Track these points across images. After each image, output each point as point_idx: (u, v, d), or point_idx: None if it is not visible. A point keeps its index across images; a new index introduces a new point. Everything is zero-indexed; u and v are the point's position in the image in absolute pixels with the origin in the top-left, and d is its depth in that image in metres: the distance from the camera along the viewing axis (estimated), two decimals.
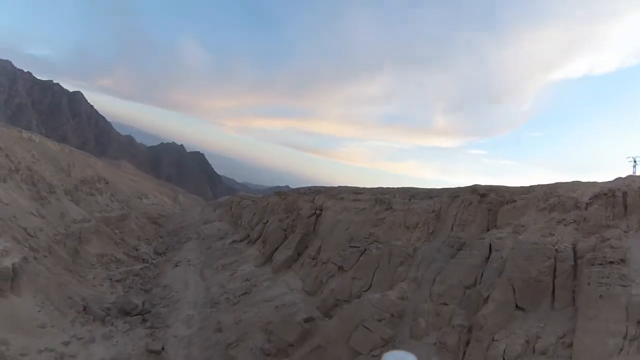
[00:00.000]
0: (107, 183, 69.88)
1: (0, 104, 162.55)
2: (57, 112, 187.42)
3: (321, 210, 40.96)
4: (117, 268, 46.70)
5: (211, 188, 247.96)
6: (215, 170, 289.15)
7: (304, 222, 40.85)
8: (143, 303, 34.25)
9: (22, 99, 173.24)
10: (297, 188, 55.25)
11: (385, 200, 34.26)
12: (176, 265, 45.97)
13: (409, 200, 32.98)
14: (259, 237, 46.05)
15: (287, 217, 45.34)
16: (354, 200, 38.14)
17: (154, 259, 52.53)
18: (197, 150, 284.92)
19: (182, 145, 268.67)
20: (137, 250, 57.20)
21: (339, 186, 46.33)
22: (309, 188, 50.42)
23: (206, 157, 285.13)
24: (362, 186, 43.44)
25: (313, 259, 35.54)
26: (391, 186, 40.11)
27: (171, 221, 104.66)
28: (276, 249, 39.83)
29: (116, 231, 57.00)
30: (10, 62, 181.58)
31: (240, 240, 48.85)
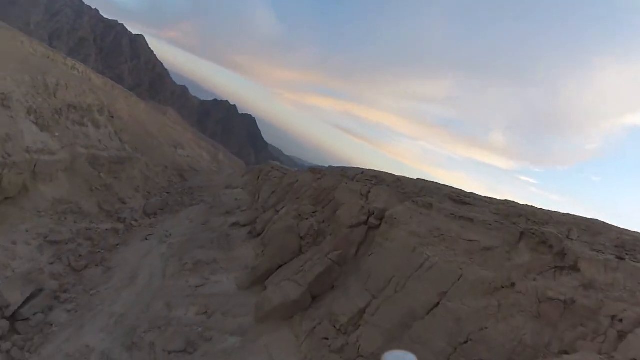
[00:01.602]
0: (112, 117, 56.89)
1: (63, 35, 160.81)
2: (117, 51, 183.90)
3: (380, 219, 22.15)
4: (74, 222, 33.73)
5: (255, 154, 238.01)
6: (263, 137, 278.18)
7: (341, 235, 22.73)
8: (35, 295, 20.51)
9: (85, 33, 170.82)
10: (342, 167, 38.77)
11: (541, 236, 15.75)
12: (146, 239, 32.26)
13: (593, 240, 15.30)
14: (263, 232, 30.13)
15: (314, 212, 28.34)
16: (460, 219, 18.46)
17: (134, 221, 39.17)
18: (248, 114, 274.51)
19: (234, 105, 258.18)
20: (123, 203, 44.21)
21: (419, 179, 26.56)
22: (362, 172, 31.22)
23: (257, 122, 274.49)
24: (458, 187, 24.39)
25: (339, 329, 17.43)
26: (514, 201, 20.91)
27: (199, 177, 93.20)
28: (278, 269, 23.15)
29: (102, 175, 44.03)
30: None
31: (243, 225, 33.84)
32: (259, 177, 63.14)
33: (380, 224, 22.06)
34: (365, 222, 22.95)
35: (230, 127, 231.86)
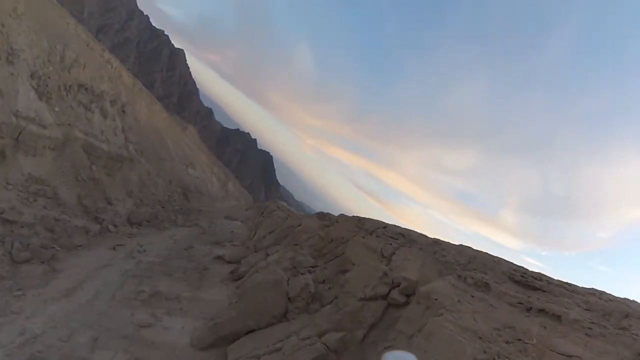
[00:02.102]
0: (123, 112, 52.99)
1: (111, 32, 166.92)
2: (155, 59, 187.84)
3: (408, 295, 15.80)
4: (43, 207, 28.68)
5: (266, 191, 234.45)
6: (277, 176, 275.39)
7: (347, 308, 16.14)
8: None
9: (131, 35, 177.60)
10: (358, 217, 32.26)
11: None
12: (114, 249, 26.77)
13: None
14: (243, 277, 23.29)
15: (313, 267, 22.26)
16: (539, 313, 12.39)
17: (113, 226, 33.87)
18: (266, 150, 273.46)
19: (255, 139, 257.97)
20: (109, 204, 38.99)
21: (463, 245, 20.49)
22: (385, 226, 24.74)
23: (273, 160, 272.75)
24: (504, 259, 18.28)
25: None
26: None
27: (201, 201, 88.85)
28: (249, 333, 16.38)
29: (94, 167, 39.25)
30: (135, 1, 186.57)
31: (228, 262, 28.21)
32: (262, 213, 58.08)
33: (407, 303, 15.50)
34: (385, 296, 16.27)
35: (246, 159, 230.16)
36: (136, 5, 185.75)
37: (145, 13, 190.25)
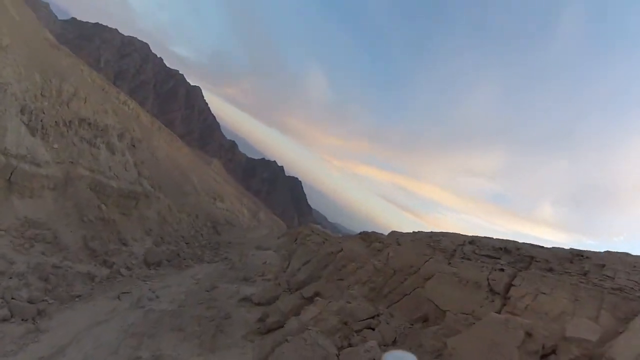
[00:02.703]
0: (133, 146, 49.36)
1: (128, 76, 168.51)
2: (173, 98, 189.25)
3: None
4: (41, 254, 24.68)
5: (298, 217, 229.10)
6: (308, 201, 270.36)
7: None
8: None
9: (147, 78, 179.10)
10: (424, 232, 23.95)
11: None
12: (118, 298, 22.08)
13: None
14: (275, 329, 16.89)
15: (375, 318, 14.62)
16: None
17: (126, 269, 29.40)
18: (295, 176, 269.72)
19: (282, 166, 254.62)
20: (123, 244, 34.90)
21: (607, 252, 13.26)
22: (471, 241, 17.61)
23: (303, 185, 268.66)
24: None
25: None
26: None
27: (232, 233, 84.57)
28: None
29: (103, 206, 35.18)
30: (148, 45, 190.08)
31: (257, 304, 22.28)
32: (295, 239, 53.07)
33: None
34: None
35: (275, 187, 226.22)
36: (149, 49, 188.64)
37: (158, 56, 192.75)
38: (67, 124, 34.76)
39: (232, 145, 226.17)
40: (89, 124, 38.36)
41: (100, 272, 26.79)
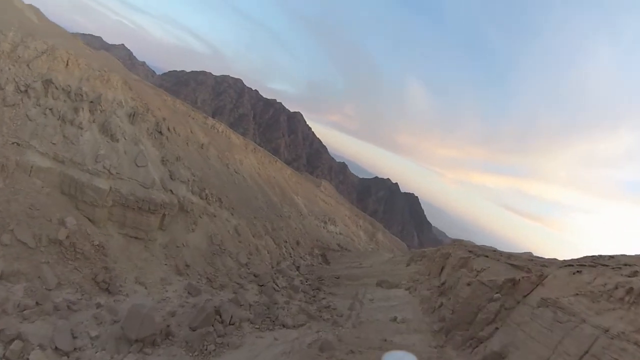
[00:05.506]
0: (160, 133, 31.49)
1: (226, 112, 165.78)
2: (275, 126, 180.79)
3: None
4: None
5: (418, 235, 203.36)
6: (427, 217, 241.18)
7: None
8: None
9: (245, 110, 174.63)
10: None
11: None
12: None
13: None
14: None
15: None
16: None
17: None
18: (411, 192, 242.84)
19: (396, 183, 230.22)
20: (108, 292, 16.09)
21: None
22: None
23: (419, 201, 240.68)
24: None
25: None
26: None
27: (345, 260, 64.60)
28: None
29: (70, 220, 16.82)
30: (241, 80, 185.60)
31: None
32: (441, 270, 30.24)
33: None
34: None
35: (392, 205, 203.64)
36: (243, 84, 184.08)
37: (253, 89, 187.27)
38: (19, 88, 17.59)
39: (343, 166, 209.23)
40: (67, 92, 21.17)
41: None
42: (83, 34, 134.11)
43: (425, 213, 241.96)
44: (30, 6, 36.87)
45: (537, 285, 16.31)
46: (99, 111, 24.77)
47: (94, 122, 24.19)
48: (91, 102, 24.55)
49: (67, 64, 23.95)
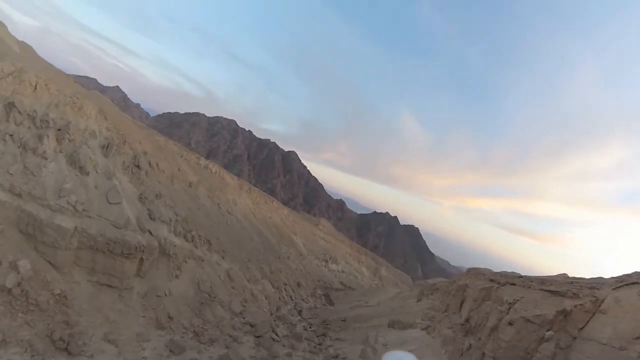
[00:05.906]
0: (137, 167, 28.58)
1: (220, 153, 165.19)
2: (269, 166, 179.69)
3: None
4: None
5: (421, 266, 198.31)
6: (429, 248, 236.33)
7: None
8: None
9: (239, 151, 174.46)
10: None
11: None
12: None
13: None
14: None
15: None
16: None
17: None
18: (411, 224, 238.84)
19: (395, 217, 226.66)
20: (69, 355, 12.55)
21: None
22: None
23: (420, 232, 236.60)
24: None
25: None
26: None
27: (350, 299, 61.02)
28: None
29: (23, 264, 13.51)
30: (235, 121, 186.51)
31: None
32: (462, 302, 26.85)
33: None
34: None
35: (392, 239, 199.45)
36: (237, 124, 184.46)
37: (247, 129, 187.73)
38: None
39: (341, 203, 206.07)
40: (32, 118, 18.47)
41: None
42: (78, 75, 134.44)
43: (426, 243, 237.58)
44: (23, 42, 35.00)
45: (594, 314, 13.07)
46: (67, 140, 22.02)
47: (60, 152, 21.39)
48: (59, 129, 21.83)
49: (35, 88, 21.50)
